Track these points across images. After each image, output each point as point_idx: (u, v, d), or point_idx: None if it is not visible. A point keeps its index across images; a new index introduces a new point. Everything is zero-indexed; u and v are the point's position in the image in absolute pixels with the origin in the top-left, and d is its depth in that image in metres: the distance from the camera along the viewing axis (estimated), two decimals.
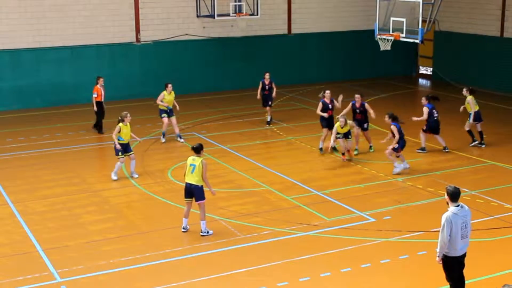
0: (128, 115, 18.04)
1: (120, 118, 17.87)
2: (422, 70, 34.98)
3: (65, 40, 27.38)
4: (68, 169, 18.69)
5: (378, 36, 23.37)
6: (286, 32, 31.60)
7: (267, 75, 23.58)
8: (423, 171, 18.47)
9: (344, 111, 20.20)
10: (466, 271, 10.78)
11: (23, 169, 19.10)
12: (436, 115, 19.97)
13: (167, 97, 21.44)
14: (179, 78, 29.44)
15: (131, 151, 18.19)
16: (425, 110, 19.89)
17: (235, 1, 28.41)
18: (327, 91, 20.64)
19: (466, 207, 10.54)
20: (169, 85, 21.55)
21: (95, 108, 22.52)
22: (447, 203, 10.47)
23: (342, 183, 17.63)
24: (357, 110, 20.21)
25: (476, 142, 20.92)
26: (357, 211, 15.59)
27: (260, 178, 17.98)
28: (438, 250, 10.50)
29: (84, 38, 27.65)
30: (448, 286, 10.94)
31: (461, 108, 21.36)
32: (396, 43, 23.34)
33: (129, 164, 18.25)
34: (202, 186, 13.93)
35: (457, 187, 10.53)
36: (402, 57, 33.55)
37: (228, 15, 28.32)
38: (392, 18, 22.87)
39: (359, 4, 32.62)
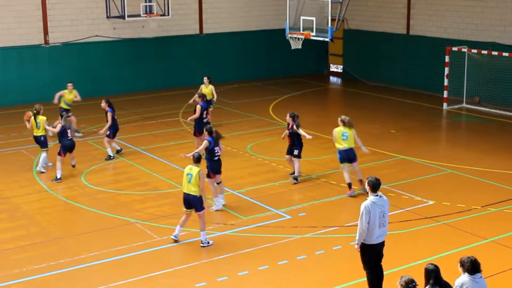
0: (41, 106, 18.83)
1: (36, 111, 18.53)
2: (333, 68, 35.62)
3: None
4: None
5: (289, 35, 23.63)
6: (198, 32, 31.55)
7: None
8: (336, 167, 18.75)
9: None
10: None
11: None
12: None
13: (68, 96, 22.13)
14: (91, 79, 28.99)
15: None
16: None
17: (146, 2, 28.14)
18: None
19: (385, 197, 10.90)
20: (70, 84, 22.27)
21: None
22: (367, 193, 10.78)
23: (257, 181, 17.73)
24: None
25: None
26: (272, 209, 15.72)
27: (176, 179, 17.87)
28: (357, 237, 10.82)
29: None
30: (365, 277, 11.21)
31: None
32: (307, 41, 23.66)
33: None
34: (200, 196, 13.52)
35: (378, 178, 10.87)
36: (313, 55, 34.04)
37: (139, 15, 28.01)
38: (302, 17, 23.15)
39: (270, 4, 32.91)
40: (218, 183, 15.78)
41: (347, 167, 16.46)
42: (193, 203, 13.54)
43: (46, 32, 27.82)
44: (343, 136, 16.28)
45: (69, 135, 18.11)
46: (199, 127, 19.36)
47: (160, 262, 12.96)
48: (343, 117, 16.49)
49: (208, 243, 13.72)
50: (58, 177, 17.83)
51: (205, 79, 23.06)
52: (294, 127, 17.33)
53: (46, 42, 27.89)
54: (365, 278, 11.22)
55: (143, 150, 20.67)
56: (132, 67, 29.78)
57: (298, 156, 17.52)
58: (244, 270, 12.61)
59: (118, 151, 20.20)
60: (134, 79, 29.60)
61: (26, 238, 14.26)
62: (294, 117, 17.35)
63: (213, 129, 15.70)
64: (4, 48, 27.11)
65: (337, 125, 16.49)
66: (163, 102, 27.15)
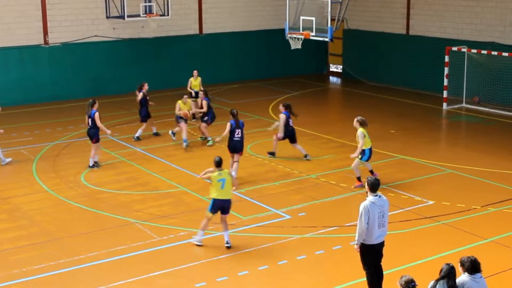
0: None
1: None
2: (333, 68, 35.62)
3: None
4: None
5: (289, 35, 23.65)
6: (197, 32, 31.55)
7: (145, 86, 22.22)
8: (336, 167, 18.80)
9: None
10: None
11: None
12: (292, 124, 19.26)
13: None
14: (91, 79, 28.99)
15: None
16: (282, 117, 19.11)
17: (145, 2, 28.13)
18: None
19: (384, 197, 10.88)
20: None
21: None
22: (367, 193, 10.79)
23: (257, 181, 17.74)
24: None
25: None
26: (272, 208, 15.72)
27: (176, 179, 17.90)
28: (356, 238, 10.81)
29: None
30: (365, 277, 11.22)
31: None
32: (307, 41, 23.68)
33: None
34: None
35: (377, 178, 10.90)
36: (313, 55, 34.03)
37: (139, 15, 28.01)
38: (302, 17, 23.18)
39: (270, 4, 32.91)
40: (234, 161, 17.50)
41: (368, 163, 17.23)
42: (229, 207, 13.57)
43: (46, 32, 27.81)
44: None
45: (89, 124, 18.88)
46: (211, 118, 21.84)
47: (160, 262, 12.96)
48: (362, 119, 16.95)
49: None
50: (90, 164, 19.10)
51: (195, 72, 24.98)
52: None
53: (46, 42, 27.88)
54: (365, 278, 11.22)
55: (143, 150, 20.67)
56: (132, 67, 29.77)
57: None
58: (244, 270, 12.61)
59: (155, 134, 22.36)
60: (134, 79, 29.51)
61: (26, 238, 14.27)
62: (285, 107, 19.27)
63: (235, 112, 17.67)
64: (4, 48, 27.10)
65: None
66: (163, 102, 27.14)
